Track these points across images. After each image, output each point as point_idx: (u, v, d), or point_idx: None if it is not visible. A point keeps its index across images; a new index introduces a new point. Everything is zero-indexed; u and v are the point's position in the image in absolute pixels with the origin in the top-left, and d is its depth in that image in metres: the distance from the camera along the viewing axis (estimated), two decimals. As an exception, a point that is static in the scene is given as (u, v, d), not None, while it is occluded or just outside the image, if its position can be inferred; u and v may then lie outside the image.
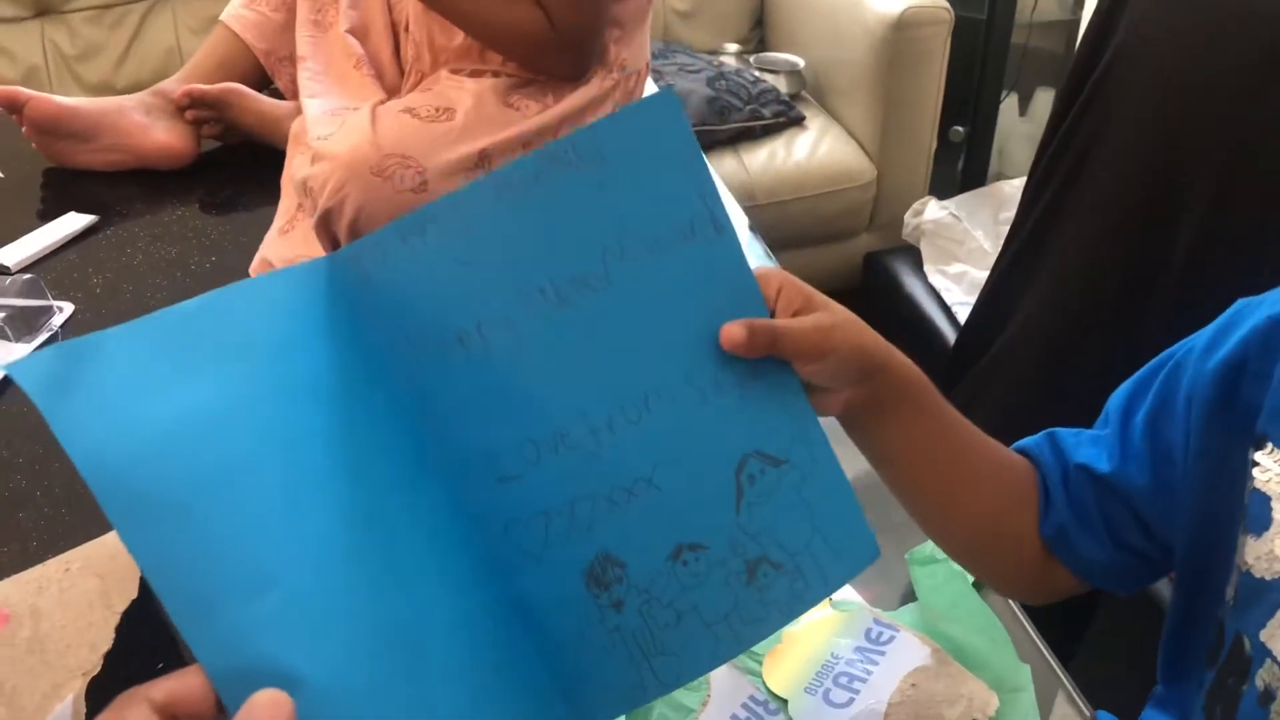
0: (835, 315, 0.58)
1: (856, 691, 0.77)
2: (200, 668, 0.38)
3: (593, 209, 0.51)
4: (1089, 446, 0.69)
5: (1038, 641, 0.82)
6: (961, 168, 2.51)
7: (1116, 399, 0.70)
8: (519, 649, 0.51)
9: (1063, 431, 0.71)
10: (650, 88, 1.52)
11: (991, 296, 1.41)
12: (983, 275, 1.86)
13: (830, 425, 0.58)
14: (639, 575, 0.52)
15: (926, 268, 2.10)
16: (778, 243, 1.34)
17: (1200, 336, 0.63)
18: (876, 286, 2.21)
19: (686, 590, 0.53)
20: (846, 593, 0.84)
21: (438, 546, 0.48)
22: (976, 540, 0.71)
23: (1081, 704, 0.77)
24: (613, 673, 0.53)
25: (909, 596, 0.86)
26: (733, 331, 0.52)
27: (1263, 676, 0.53)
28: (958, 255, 2.09)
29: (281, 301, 0.47)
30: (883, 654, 0.79)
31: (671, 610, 0.53)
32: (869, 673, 0.78)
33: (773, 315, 0.55)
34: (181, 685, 0.38)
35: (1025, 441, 0.72)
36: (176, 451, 0.40)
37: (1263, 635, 0.54)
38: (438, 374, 0.50)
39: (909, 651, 0.79)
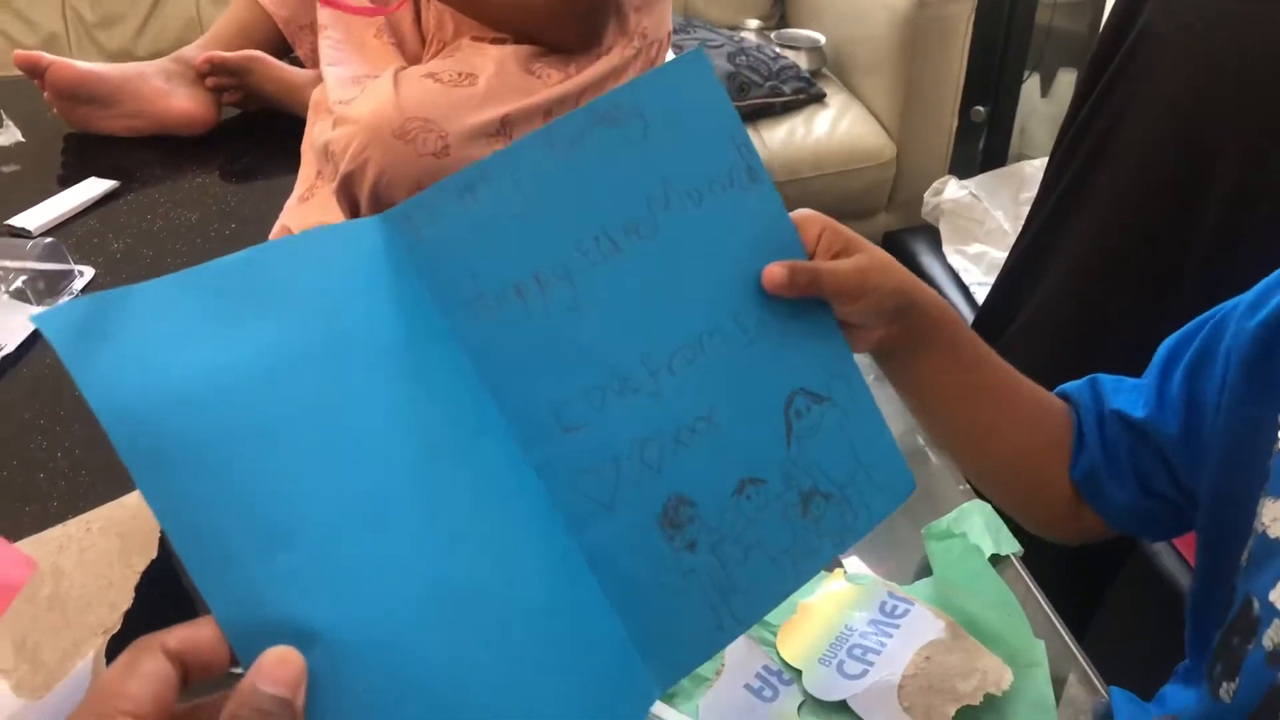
0: (873, 257, 0.60)
1: (870, 663, 0.78)
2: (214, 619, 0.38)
3: (637, 161, 0.53)
4: (1128, 393, 0.70)
5: (1053, 618, 0.82)
6: (982, 147, 2.49)
7: (1163, 348, 0.71)
8: (592, 607, 0.51)
9: (1105, 377, 0.73)
10: (671, 59, 1.52)
11: (1011, 276, 1.40)
12: (1001, 256, 1.85)
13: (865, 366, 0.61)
14: (709, 513, 0.54)
15: (945, 248, 2.09)
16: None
17: (1246, 295, 0.63)
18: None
19: (751, 524, 0.54)
20: (861, 566, 0.85)
21: (499, 504, 0.48)
22: (1008, 475, 0.74)
23: (1096, 680, 0.77)
24: (691, 618, 0.53)
25: (924, 571, 0.85)
26: (774, 272, 0.55)
27: (1271, 637, 0.53)
28: (977, 235, 2.08)
29: (332, 258, 0.46)
30: (897, 627, 0.79)
31: (740, 546, 0.54)
32: (883, 645, 0.78)
33: (813, 257, 0.58)
34: (196, 635, 0.38)
35: (1068, 385, 0.74)
36: (204, 404, 0.40)
37: (1272, 595, 0.54)
38: (496, 328, 0.50)
39: (924, 625, 0.79)
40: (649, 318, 0.53)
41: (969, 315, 1.86)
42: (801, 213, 0.59)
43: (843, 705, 0.73)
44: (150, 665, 0.37)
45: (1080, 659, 0.79)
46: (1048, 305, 1.28)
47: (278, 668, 0.38)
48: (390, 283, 0.48)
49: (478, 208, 0.50)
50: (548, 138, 0.52)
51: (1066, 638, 0.81)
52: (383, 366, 0.45)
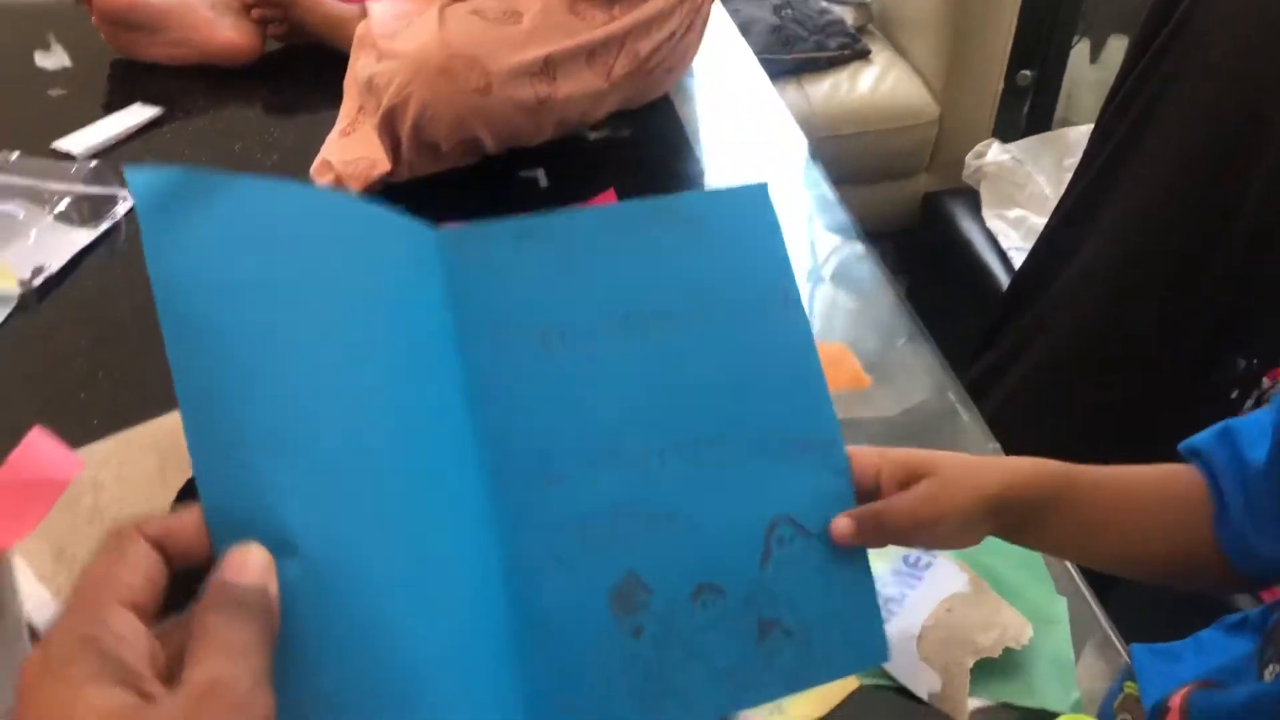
0: (942, 476, 0.58)
1: (892, 613, 0.78)
2: (199, 510, 0.38)
3: (685, 261, 0.56)
4: (1266, 434, 0.63)
5: (1076, 576, 0.82)
6: (1027, 112, 2.46)
7: None
8: (525, 654, 0.49)
9: (1238, 424, 0.65)
10: (719, 10, 1.51)
11: (1051, 240, 1.39)
12: (1041, 221, 1.83)
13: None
14: (662, 605, 0.52)
15: (985, 211, 2.07)
16: (835, 179, 1.32)
17: None
18: (933, 228, 2.19)
19: (700, 632, 0.53)
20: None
21: (468, 528, 0.48)
22: (1158, 577, 0.69)
23: (1117, 640, 0.78)
24: (617, 704, 0.51)
25: (950, 525, 0.86)
26: (840, 527, 0.55)
27: None
28: (1017, 200, 2.06)
29: (389, 236, 0.48)
30: (920, 579, 0.80)
31: (684, 650, 0.52)
32: (905, 595, 0.79)
33: (878, 495, 0.57)
34: (178, 523, 0.37)
35: (1200, 441, 0.66)
36: (252, 302, 0.41)
37: None
38: (510, 363, 0.52)
39: (947, 578, 0.79)
40: (657, 405, 0.54)
41: (1005, 280, 1.85)
42: (855, 451, 0.57)
43: (863, 651, 0.73)
44: (135, 552, 0.36)
45: (1101, 619, 0.80)
46: (1088, 270, 1.27)
47: (244, 558, 0.37)
48: (427, 286, 0.50)
49: (528, 254, 0.53)
50: (607, 219, 0.56)
51: (1089, 597, 0.81)
52: (399, 350, 0.47)
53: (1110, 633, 0.79)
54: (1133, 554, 0.65)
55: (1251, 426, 0.64)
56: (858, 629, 0.56)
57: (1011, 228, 2.02)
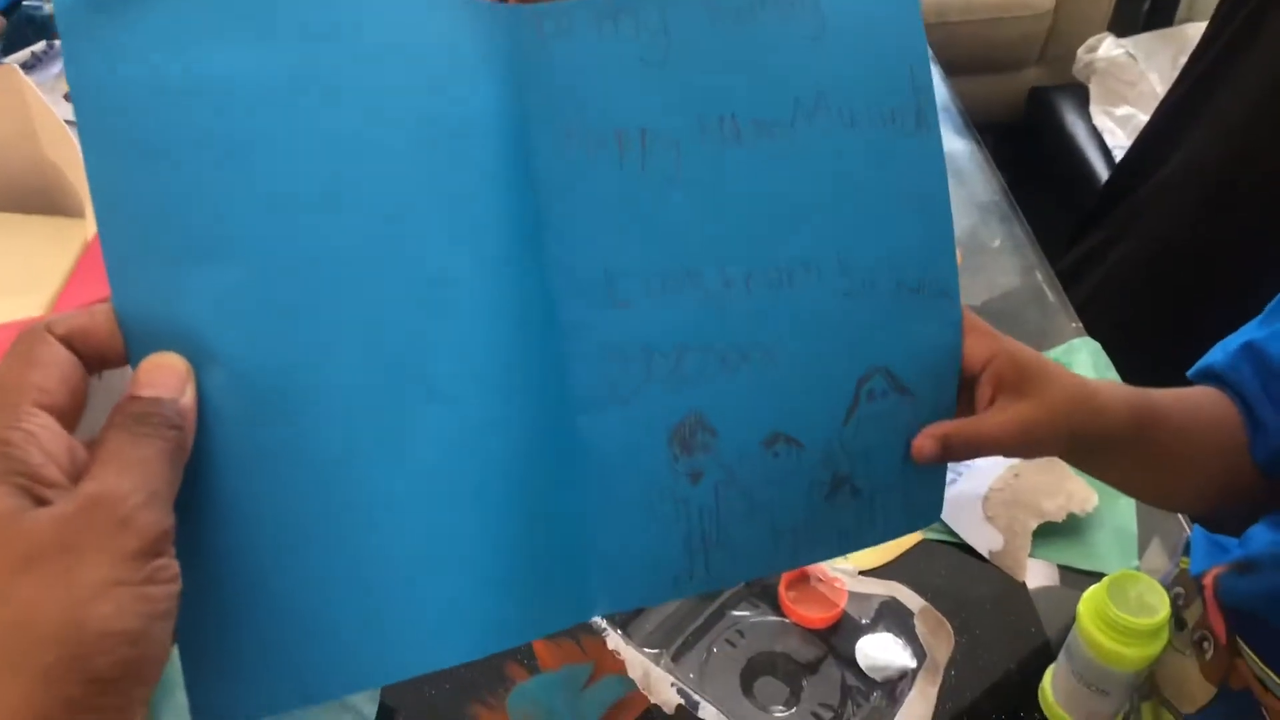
0: (1043, 403, 0.51)
1: (959, 474, 0.80)
2: (109, 306, 0.36)
3: (798, 58, 0.48)
4: None
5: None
6: (1147, 8, 2.37)
7: None
8: (562, 491, 0.45)
9: (1262, 339, 0.61)
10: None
11: (1156, 131, 1.36)
12: (1150, 120, 1.78)
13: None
14: (728, 451, 0.48)
15: (1093, 108, 2.01)
16: (940, 68, 1.31)
17: None
18: (1038, 123, 2.14)
19: (769, 484, 0.48)
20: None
21: (505, 342, 0.43)
22: (1198, 508, 0.66)
23: (1181, 517, 0.79)
24: (662, 552, 0.47)
25: (1025, 398, 0.87)
26: (924, 447, 0.49)
27: None
28: (1127, 98, 2.00)
29: (447, 20, 0.43)
30: (991, 445, 0.81)
31: (747, 501, 0.48)
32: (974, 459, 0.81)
33: (976, 380, 0.51)
34: (90, 321, 0.35)
35: (1219, 362, 0.62)
36: (200, 98, 0.38)
37: None
38: (582, 168, 0.45)
39: (1017, 445, 0.81)
40: (744, 223, 0.48)
41: (1105, 176, 1.81)
42: (973, 323, 0.51)
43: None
44: (47, 352, 0.34)
45: (1169, 496, 0.81)
46: (1191, 163, 1.24)
47: (154, 370, 0.35)
48: (481, 72, 0.43)
49: (614, 38, 0.46)
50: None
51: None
52: (426, 139, 0.41)
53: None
54: (1179, 488, 0.63)
55: (1269, 328, 0.61)
56: (920, 492, 0.51)
57: (1118, 126, 1.96)
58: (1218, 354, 0.62)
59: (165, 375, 0.35)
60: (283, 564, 0.38)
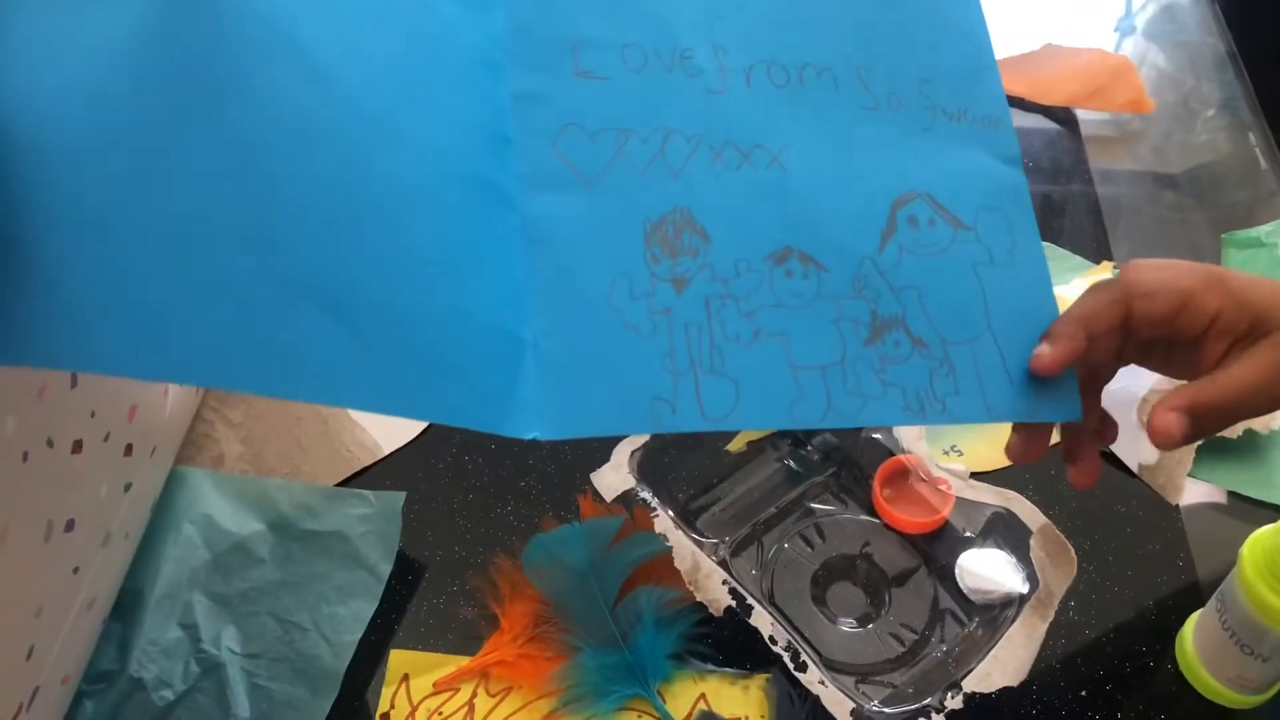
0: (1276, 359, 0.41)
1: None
2: None
3: None
4: None
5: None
6: None
7: None
8: (495, 277, 0.38)
9: None
10: None
11: None
12: None
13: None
14: (723, 259, 0.40)
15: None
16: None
17: None
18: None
19: (780, 307, 0.41)
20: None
21: (445, 102, 0.38)
22: None
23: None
24: (634, 367, 0.39)
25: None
26: (1167, 424, 0.41)
27: None
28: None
29: None
30: (1160, 338, 0.67)
31: (750, 323, 0.40)
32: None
33: (1202, 339, 0.42)
34: None
35: None
36: None
37: None
38: None
39: (1193, 341, 0.66)
40: (749, 9, 0.42)
41: None
42: (1197, 283, 0.41)
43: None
44: None
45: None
46: None
47: None
48: None
49: None
50: None
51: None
52: None
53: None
54: None
55: None
56: (1025, 363, 0.42)
57: None
58: None
59: None
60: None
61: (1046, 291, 0.43)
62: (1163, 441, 0.41)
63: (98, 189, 0.32)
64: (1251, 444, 0.63)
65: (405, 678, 0.54)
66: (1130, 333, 0.42)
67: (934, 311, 0.42)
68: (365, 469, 0.63)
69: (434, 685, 0.54)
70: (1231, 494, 0.62)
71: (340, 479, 0.63)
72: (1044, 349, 0.41)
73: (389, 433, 0.65)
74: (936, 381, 0.41)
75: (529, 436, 0.36)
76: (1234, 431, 0.62)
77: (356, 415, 0.66)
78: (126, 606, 0.56)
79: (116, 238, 0.32)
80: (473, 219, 0.37)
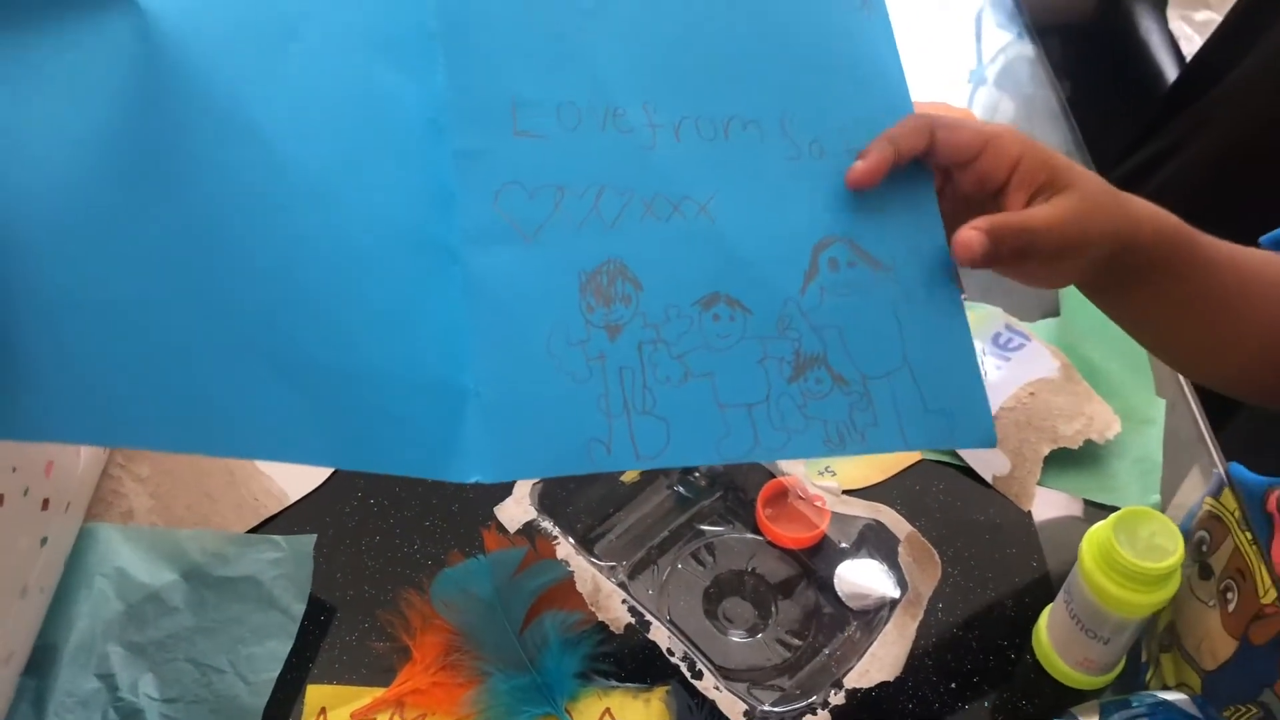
0: (1085, 195, 0.47)
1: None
2: None
3: None
4: None
5: (1182, 382, 0.75)
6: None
7: None
8: (440, 329, 0.40)
9: None
10: None
11: (1231, 30, 1.25)
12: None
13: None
14: (654, 306, 0.43)
15: (1170, 12, 1.88)
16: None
17: None
18: (1110, 25, 2.00)
19: (708, 349, 0.43)
20: (980, 295, 0.79)
21: (389, 167, 0.40)
22: (1237, 380, 0.59)
23: (1213, 449, 0.71)
24: (570, 412, 0.41)
25: (1051, 312, 0.79)
26: (970, 240, 0.44)
27: None
28: (1210, 1, 1.85)
29: None
30: (1007, 360, 0.74)
31: (680, 365, 0.43)
32: (986, 376, 0.73)
33: (1005, 190, 0.47)
34: None
35: None
36: None
37: None
38: None
39: (1037, 362, 0.73)
40: (676, 64, 0.45)
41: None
42: (998, 129, 0.46)
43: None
44: None
45: (1202, 426, 0.73)
46: (1269, 63, 1.13)
47: None
48: None
49: None
50: None
51: (1193, 403, 0.74)
52: None
53: (1209, 444, 0.72)
54: (1219, 345, 0.56)
55: None
56: (947, 396, 0.46)
57: (1196, 32, 1.83)
58: None
59: None
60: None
61: (961, 324, 0.47)
62: (963, 255, 0.44)
63: (58, 270, 0.35)
64: (1093, 453, 0.70)
65: (323, 711, 0.57)
66: (944, 168, 0.48)
67: (854, 348, 0.45)
68: (273, 516, 0.66)
69: (351, 716, 0.56)
70: (1085, 500, 0.69)
71: (249, 527, 0.65)
72: (857, 164, 0.46)
73: (295, 480, 0.67)
74: (856, 415, 0.44)
75: (471, 480, 0.39)
76: (1076, 441, 0.69)
77: (263, 465, 0.68)
78: (40, 662, 0.57)
79: (76, 315, 0.35)
80: (418, 277, 0.40)
